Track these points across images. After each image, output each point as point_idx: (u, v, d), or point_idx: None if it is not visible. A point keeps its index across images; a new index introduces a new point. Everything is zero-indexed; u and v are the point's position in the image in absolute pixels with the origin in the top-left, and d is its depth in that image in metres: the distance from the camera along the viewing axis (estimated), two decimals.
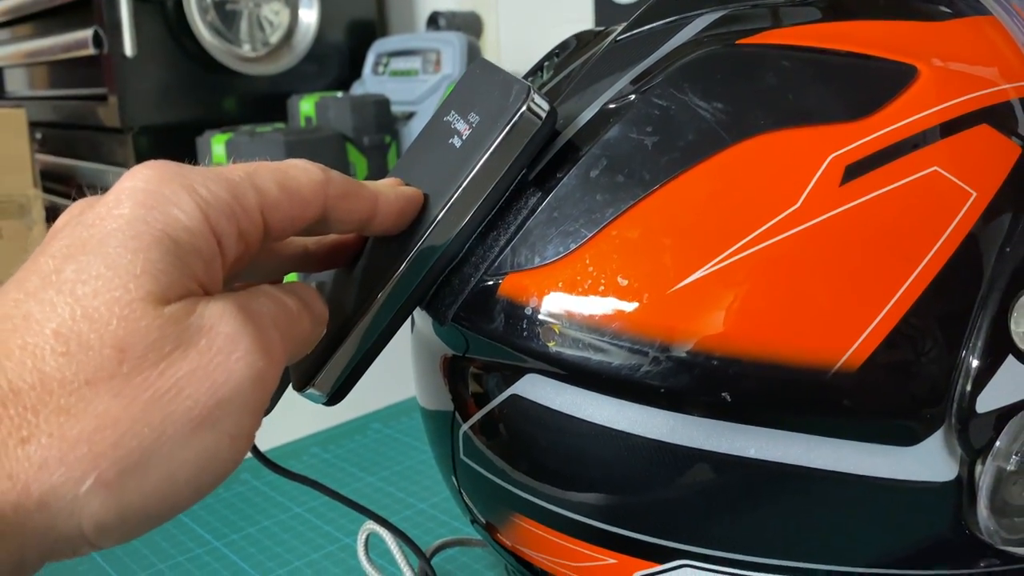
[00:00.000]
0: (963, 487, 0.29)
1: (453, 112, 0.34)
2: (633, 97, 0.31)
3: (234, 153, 0.91)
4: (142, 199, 0.24)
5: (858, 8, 0.33)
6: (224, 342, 0.23)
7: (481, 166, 0.30)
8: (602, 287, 0.29)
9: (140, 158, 1.01)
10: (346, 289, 0.33)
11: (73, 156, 1.18)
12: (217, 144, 0.93)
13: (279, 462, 0.37)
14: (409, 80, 1.04)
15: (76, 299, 0.22)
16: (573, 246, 0.30)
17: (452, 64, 1.02)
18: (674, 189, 0.29)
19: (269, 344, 0.25)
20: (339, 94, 1.03)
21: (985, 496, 0.29)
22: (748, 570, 0.30)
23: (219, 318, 0.23)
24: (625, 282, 0.29)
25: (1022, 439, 0.29)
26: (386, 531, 0.42)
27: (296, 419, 0.72)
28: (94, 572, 0.50)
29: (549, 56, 0.40)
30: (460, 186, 0.30)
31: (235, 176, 0.26)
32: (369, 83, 1.11)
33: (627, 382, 0.29)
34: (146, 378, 0.22)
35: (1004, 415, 0.28)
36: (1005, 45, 0.31)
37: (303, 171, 0.28)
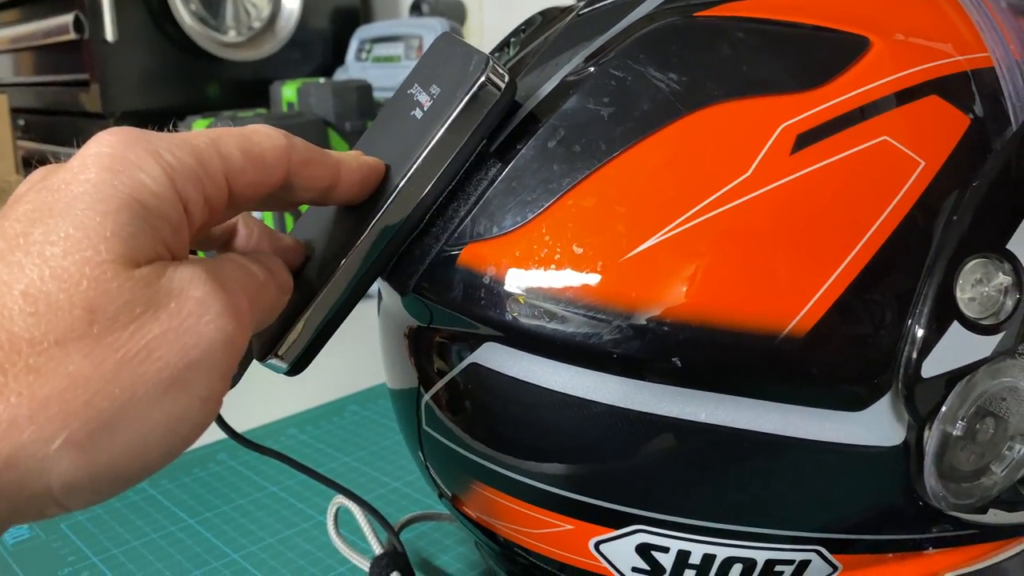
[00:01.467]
0: (911, 452, 0.29)
1: (416, 85, 0.34)
2: (592, 69, 0.31)
3: None
4: (108, 164, 0.24)
5: None
6: (194, 305, 0.24)
7: (440, 136, 0.31)
8: (558, 256, 0.29)
9: None
10: (309, 259, 0.33)
11: (56, 143, 1.17)
12: (199, 129, 0.92)
13: (258, 442, 0.37)
14: (392, 66, 1.04)
15: (44, 260, 0.22)
16: (530, 216, 0.30)
17: None
18: (629, 159, 0.29)
19: (238, 309, 0.25)
20: (321, 80, 1.03)
21: (931, 460, 0.30)
22: (701, 535, 0.31)
23: (189, 282, 0.24)
24: (580, 250, 0.29)
25: (968, 404, 0.30)
26: (356, 506, 0.43)
27: (274, 401, 0.72)
28: (67, 548, 0.51)
29: (516, 32, 0.40)
30: (420, 156, 0.31)
31: (200, 142, 0.26)
32: (352, 69, 1.11)
33: (581, 348, 0.29)
34: (117, 339, 0.22)
35: (950, 380, 0.29)
36: (958, 19, 0.32)
37: (266, 136, 0.28)
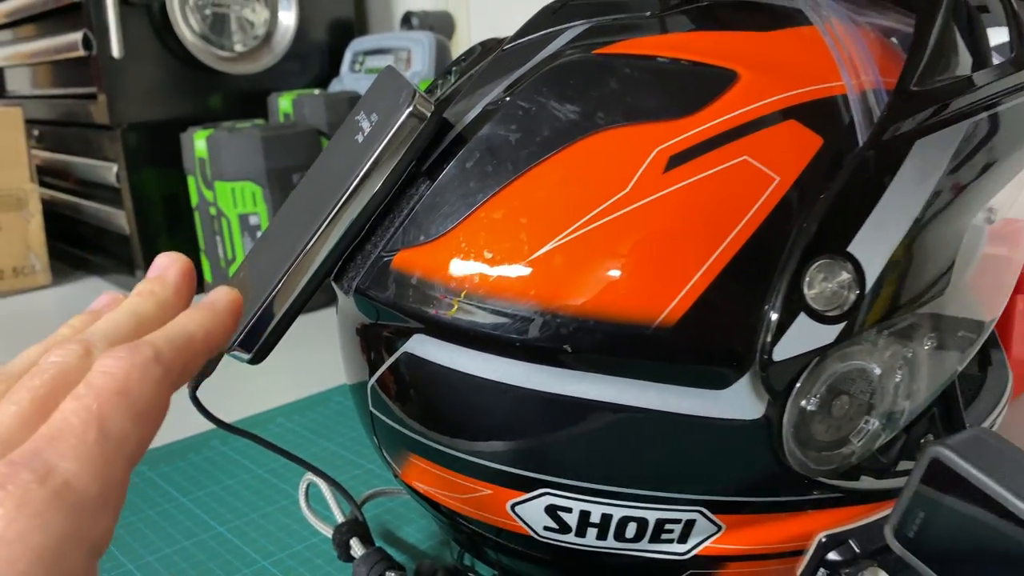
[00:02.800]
0: (771, 425, 0.34)
1: (362, 112, 0.39)
2: (506, 99, 0.37)
3: (215, 148, 0.97)
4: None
5: (705, 18, 0.38)
6: None
7: (374, 158, 0.36)
8: (472, 260, 0.35)
9: (128, 153, 1.08)
10: (266, 257, 0.39)
11: (67, 152, 1.24)
12: (199, 140, 0.98)
13: (248, 429, 0.42)
14: None
15: None
16: (450, 226, 0.35)
17: (422, 62, 1.07)
18: (531, 177, 0.35)
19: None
20: (316, 91, 1.09)
21: (789, 432, 0.35)
22: (598, 497, 0.36)
23: None
24: (490, 255, 0.34)
25: (819, 383, 0.35)
26: (323, 481, 0.48)
27: (264, 393, 0.78)
28: None
29: (457, 61, 0.46)
30: (358, 175, 0.36)
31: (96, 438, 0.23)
32: (347, 80, 1.16)
33: (491, 338, 0.34)
34: None
35: (801, 363, 0.34)
36: (819, 53, 0.36)
37: (145, 382, 0.25)
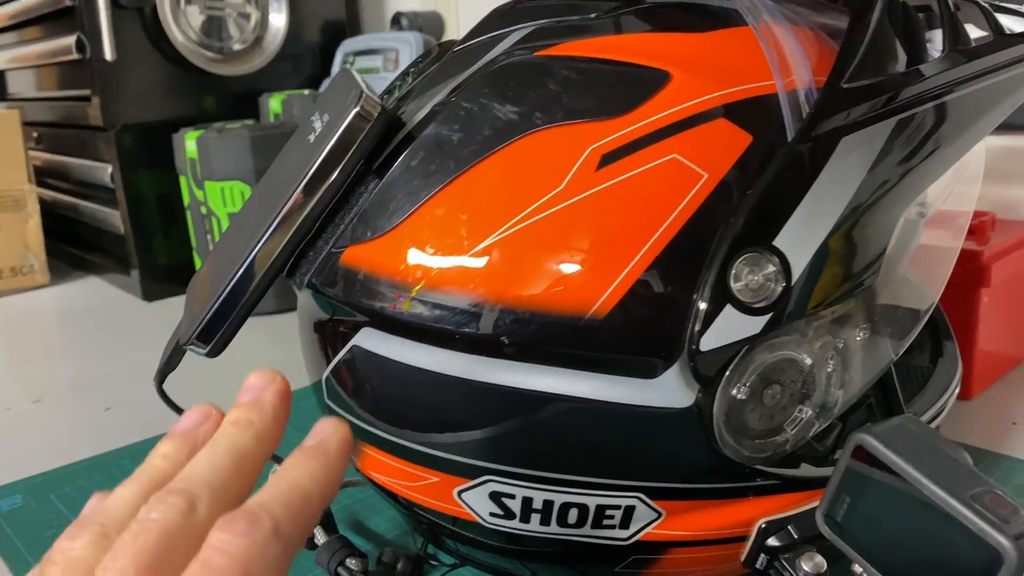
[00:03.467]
0: (703, 413, 0.36)
1: (317, 112, 0.41)
2: (452, 99, 0.38)
3: (204, 148, 0.98)
4: None
5: (644, 21, 0.40)
6: None
7: (323, 157, 0.37)
8: (415, 255, 0.36)
9: (122, 154, 1.09)
10: (224, 254, 0.40)
11: (65, 153, 1.26)
12: (190, 140, 1.00)
13: None
14: (371, 77, 1.11)
15: None
16: (396, 222, 0.37)
17: (409, 62, 1.09)
18: (471, 175, 0.36)
19: None
20: (306, 92, 1.10)
21: (721, 419, 0.36)
22: (539, 483, 0.37)
23: None
24: (432, 250, 0.36)
25: (748, 373, 0.36)
26: None
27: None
28: (52, 515, 0.58)
29: (415, 63, 0.47)
30: (308, 173, 0.37)
31: None
32: None
33: (432, 331, 0.36)
34: None
35: (728, 353, 0.35)
36: (752, 54, 0.37)
37: (267, 563, 0.23)
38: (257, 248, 0.38)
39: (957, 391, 0.50)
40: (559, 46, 0.38)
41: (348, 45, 1.19)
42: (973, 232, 0.65)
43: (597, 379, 0.35)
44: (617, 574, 0.41)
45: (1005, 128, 0.69)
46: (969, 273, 0.63)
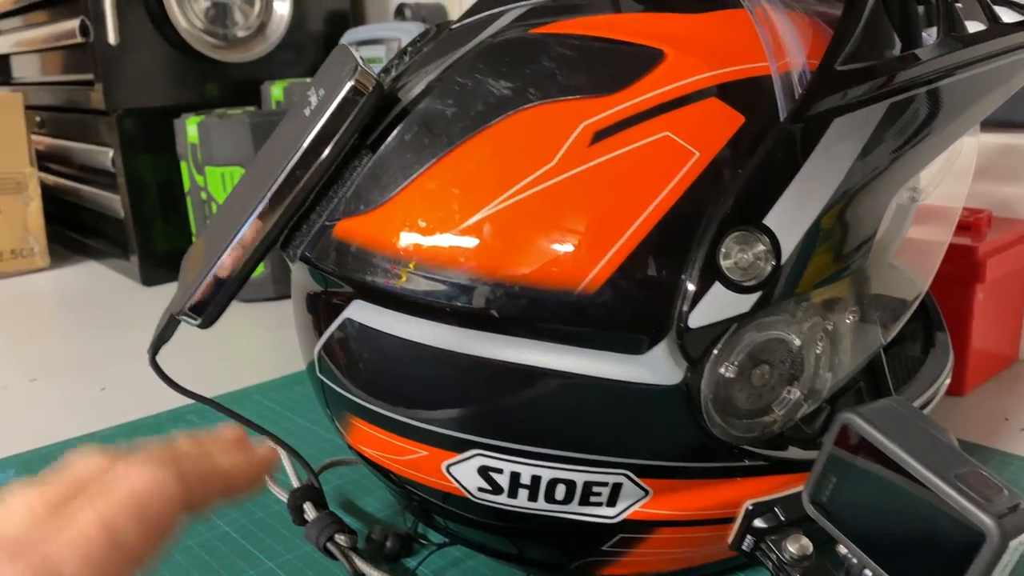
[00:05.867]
0: (691, 390, 0.36)
1: (312, 87, 0.41)
2: (446, 75, 0.38)
3: (205, 133, 0.98)
4: None
5: (639, 0, 0.40)
6: None
7: (318, 130, 0.37)
8: (407, 228, 0.36)
9: (124, 139, 1.10)
10: (218, 226, 0.40)
11: (67, 138, 1.26)
12: (191, 125, 1.00)
13: (226, 405, 0.44)
14: (374, 67, 1.11)
15: None
16: (389, 196, 0.37)
17: None
18: (464, 150, 0.36)
19: None
20: (308, 80, 1.10)
21: (708, 397, 0.36)
22: (527, 458, 0.37)
23: None
24: (424, 224, 0.36)
25: (736, 352, 0.36)
26: (281, 449, 0.50)
27: (241, 371, 0.80)
28: None
29: (413, 42, 0.47)
30: (302, 145, 0.38)
31: (96, 547, 0.23)
32: None
33: (423, 304, 0.36)
34: None
35: (716, 330, 0.35)
36: (746, 35, 0.38)
37: (158, 495, 0.25)
38: (250, 220, 0.38)
39: (948, 381, 0.50)
40: (554, 24, 0.38)
41: (351, 35, 1.19)
42: (969, 228, 0.65)
43: (586, 354, 0.35)
44: (604, 552, 0.41)
45: (1002, 126, 0.69)
46: (964, 269, 0.63)
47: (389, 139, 0.37)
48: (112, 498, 0.24)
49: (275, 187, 0.38)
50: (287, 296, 1.00)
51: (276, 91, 1.09)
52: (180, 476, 0.25)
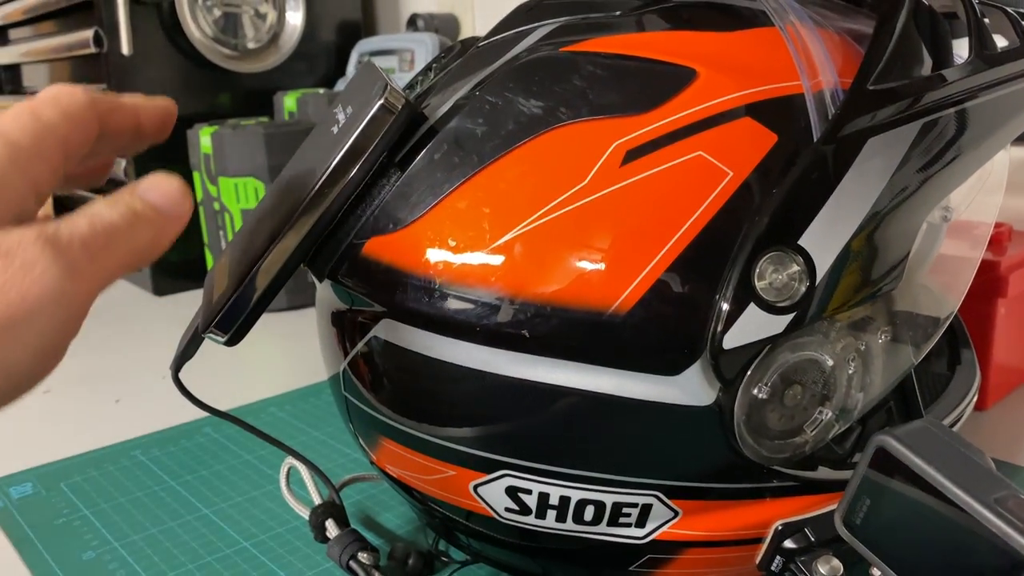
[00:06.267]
0: (723, 411, 0.35)
1: (340, 105, 0.41)
2: (476, 94, 0.38)
3: (219, 144, 0.98)
4: None
5: (670, 19, 0.39)
6: (19, 266, 0.26)
7: (347, 149, 0.37)
8: (437, 247, 0.36)
9: None
10: (244, 243, 0.40)
11: None
12: (204, 136, 1.00)
13: (243, 419, 0.44)
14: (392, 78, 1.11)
15: None
16: (418, 215, 0.37)
17: (424, 63, 1.09)
18: (494, 169, 0.36)
19: (73, 266, 0.27)
20: (321, 91, 1.10)
21: (740, 419, 0.36)
22: (557, 479, 0.37)
23: (17, 244, 0.26)
24: (454, 243, 0.36)
25: (770, 373, 0.36)
26: (302, 465, 0.50)
27: (256, 383, 0.79)
28: (63, 503, 0.58)
29: (437, 59, 0.47)
30: (331, 164, 0.37)
31: (32, 122, 0.29)
32: None
33: (453, 323, 0.36)
34: None
35: (751, 351, 0.35)
36: (777, 53, 0.37)
37: (71, 95, 0.30)
38: (280, 238, 0.38)
39: (975, 399, 0.49)
40: (585, 42, 0.38)
41: (364, 45, 1.19)
42: (991, 243, 0.64)
43: (618, 375, 0.35)
44: (631, 573, 0.41)
45: (1021, 139, 0.69)
46: (986, 283, 0.62)
47: (418, 158, 0.37)
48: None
49: (304, 204, 0.38)
50: (300, 306, 1.00)
51: (289, 101, 1.09)
52: (94, 103, 0.31)
